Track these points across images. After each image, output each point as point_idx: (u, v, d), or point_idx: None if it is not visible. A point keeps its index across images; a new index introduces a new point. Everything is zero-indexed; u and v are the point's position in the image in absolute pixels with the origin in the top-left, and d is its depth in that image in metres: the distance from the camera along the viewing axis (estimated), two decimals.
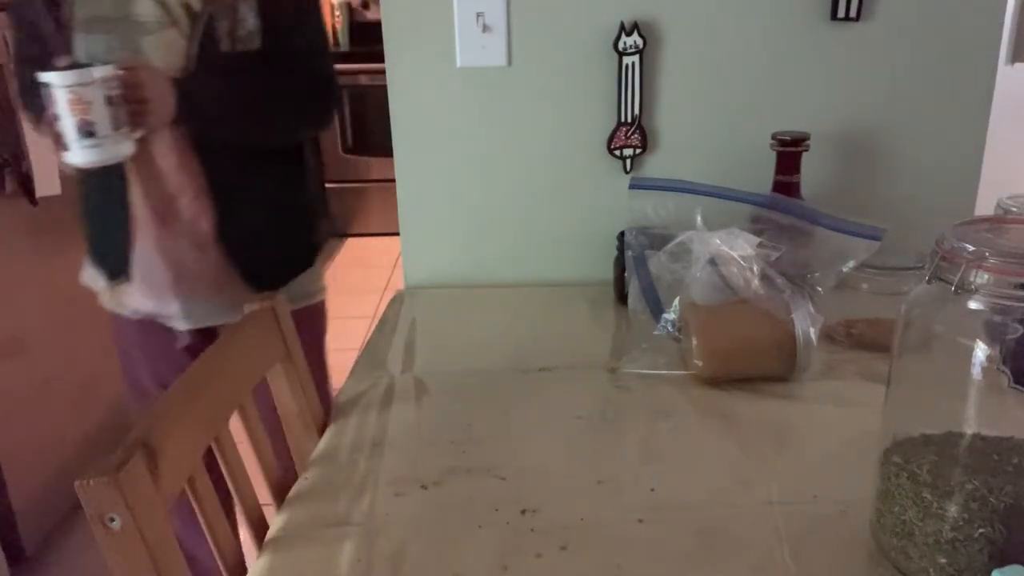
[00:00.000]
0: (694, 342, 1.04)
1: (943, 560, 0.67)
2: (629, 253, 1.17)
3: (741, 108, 1.32)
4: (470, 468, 0.90)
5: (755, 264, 1.04)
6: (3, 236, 1.96)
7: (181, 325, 1.35)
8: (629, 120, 1.33)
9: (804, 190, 1.24)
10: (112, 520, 0.66)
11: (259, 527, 0.88)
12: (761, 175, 1.23)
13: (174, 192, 1.27)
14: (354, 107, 4.22)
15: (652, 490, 0.85)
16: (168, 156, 1.25)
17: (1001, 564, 0.63)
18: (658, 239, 1.13)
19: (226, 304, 1.32)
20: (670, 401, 1.02)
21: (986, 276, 0.62)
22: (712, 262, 1.05)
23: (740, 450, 0.92)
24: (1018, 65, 2.61)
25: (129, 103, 1.13)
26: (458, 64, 1.32)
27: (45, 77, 1.08)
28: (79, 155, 1.11)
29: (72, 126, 1.09)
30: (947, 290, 0.65)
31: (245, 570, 0.82)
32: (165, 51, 1.22)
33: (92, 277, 1.39)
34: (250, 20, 1.24)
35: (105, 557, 0.68)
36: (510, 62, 1.32)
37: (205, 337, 1.38)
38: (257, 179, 1.34)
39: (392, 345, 1.21)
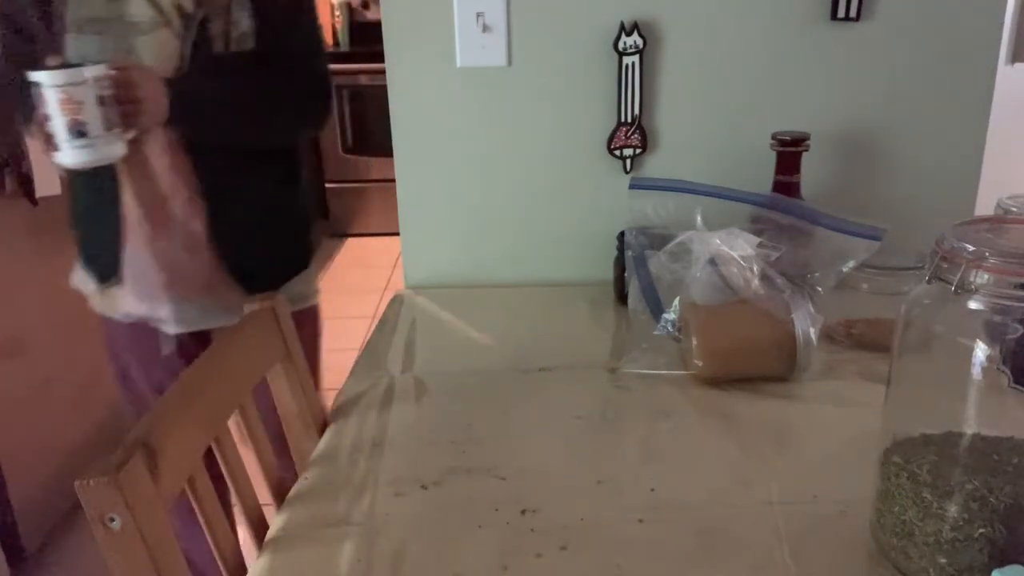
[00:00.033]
0: (694, 342, 1.04)
1: (943, 560, 0.67)
2: (629, 253, 1.17)
3: (741, 108, 1.32)
4: (470, 468, 0.90)
5: (755, 264, 1.04)
6: (3, 236, 1.96)
7: (173, 329, 1.34)
8: (629, 120, 1.33)
9: (804, 190, 1.24)
10: (112, 520, 0.66)
11: (259, 527, 0.88)
12: (761, 175, 1.23)
13: (166, 194, 1.26)
14: (354, 107, 4.22)
15: (652, 490, 0.85)
16: (161, 157, 1.24)
17: (1001, 564, 0.63)
18: (658, 239, 1.12)
19: (219, 307, 1.31)
20: (670, 401, 1.02)
21: (986, 276, 0.62)
22: (712, 262, 1.05)
23: (740, 450, 0.92)
24: (1018, 65, 2.61)
25: (121, 103, 1.11)
26: (458, 64, 1.32)
27: (35, 76, 1.06)
28: (70, 156, 1.09)
29: (63, 126, 1.07)
30: (947, 290, 0.65)
31: (245, 570, 0.82)
32: (158, 52, 1.21)
33: (82, 280, 1.38)
34: (244, 21, 1.23)
35: (105, 557, 0.68)
36: (510, 62, 1.32)
37: (198, 340, 1.37)
38: (250, 180, 1.33)
39: (392, 345, 1.21)
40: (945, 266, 0.65)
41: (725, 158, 1.32)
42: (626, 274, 1.21)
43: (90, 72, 1.08)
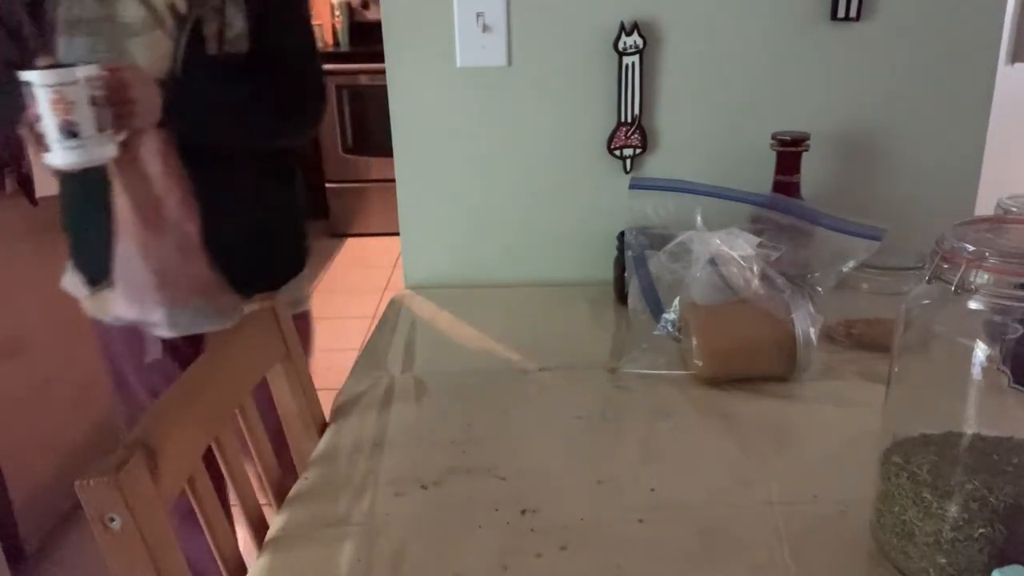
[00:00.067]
0: (694, 342, 1.04)
1: (943, 560, 0.67)
2: (629, 253, 1.17)
3: (741, 108, 1.32)
4: (470, 468, 0.90)
5: (755, 264, 1.04)
6: (3, 236, 1.96)
7: (166, 332, 1.32)
8: (629, 120, 1.33)
9: (804, 190, 1.24)
10: (112, 520, 0.67)
11: (259, 527, 0.88)
12: (761, 175, 1.23)
13: (159, 196, 1.24)
14: (354, 107, 4.22)
15: (652, 490, 0.85)
16: (153, 159, 1.22)
17: (1001, 564, 0.63)
18: (658, 239, 1.13)
19: (213, 310, 1.30)
20: (670, 401, 1.02)
21: (986, 276, 0.62)
22: (712, 262, 1.05)
23: (740, 450, 0.92)
24: (1018, 65, 2.61)
25: (114, 104, 1.10)
26: (458, 64, 1.32)
27: (27, 76, 1.05)
28: (60, 156, 1.08)
29: (54, 126, 1.06)
30: (947, 290, 0.65)
31: (245, 570, 0.82)
32: (151, 53, 1.19)
33: (73, 283, 1.36)
34: (238, 22, 1.22)
35: (105, 557, 0.68)
36: (510, 62, 1.32)
37: (191, 343, 1.36)
38: (245, 183, 1.32)
39: (392, 345, 1.21)
40: (945, 266, 0.65)
41: (725, 158, 1.32)
42: (626, 274, 1.21)
43: (82, 72, 1.06)
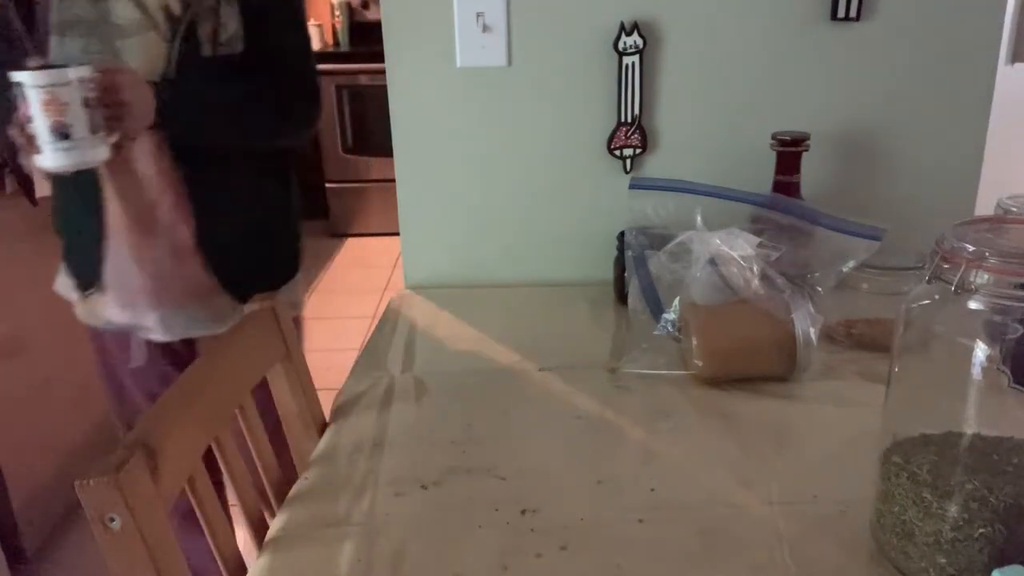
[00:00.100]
0: (694, 342, 1.04)
1: (943, 560, 0.67)
2: (629, 253, 1.17)
3: (741, 108, 1.32)
4: (470, 468, 0.90)
5: (755, 264, 1.04)
6: (3, 236, 1.96)
7: (160, 337, 1.31)
8: (629, 120, 1.33)
9: (804, 190, 1.24)
10: (112, 520, 0.67)
11: (259, 527, 0.88)
12: (761, 175, 1.23)
13: (152, 199, 1.23)
14: (354, 107, 4.22)
15: (652, 490, 0.85)
16: (146, 162, 1.21)
17: (1001, 564, 0.63)
18: (658, 239, 1.13)
19: (207, 314, 1.30)
20: (670, 401, 1.02)
21: (986, 276, 0.62)
22: (712, 262, 1.05)
23: (740, 450, 0.92)
24: (1018, 65, 2.61)
25: (107, 106, 1.08)
26: (458, 64, 1.32)
27: (18, 76, 1.03)
28: (51, 158, 1.06)
29: (46, 128, 1.04)
30: (947, 290, 0.65)
31: (245, 570, 0.82)
32: (144, 55, 1.18)
33: (65, 286, 1.35)
34: (232, 23, 1.20)
35: (105, 557, 0.68)
36: (510, 62, 1.32)
37: (187, 345, 1.36)
38: (238, 185, 1.30)
39: (392, 345, 1.21)
40: (945, 266, 0.65)
41: (725, 158, 1.32)
42: (626, 274, 1.21)
43: (75, 73, 1.05)
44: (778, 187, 1.23)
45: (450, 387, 1.08)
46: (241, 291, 1.29)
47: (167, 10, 1.18)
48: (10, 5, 1.18)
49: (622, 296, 1.27)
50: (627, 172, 1.36)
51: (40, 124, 1.04)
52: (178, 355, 1.37)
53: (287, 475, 0.96)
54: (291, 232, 1.44)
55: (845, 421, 0.97)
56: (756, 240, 1.04)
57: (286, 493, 0.89)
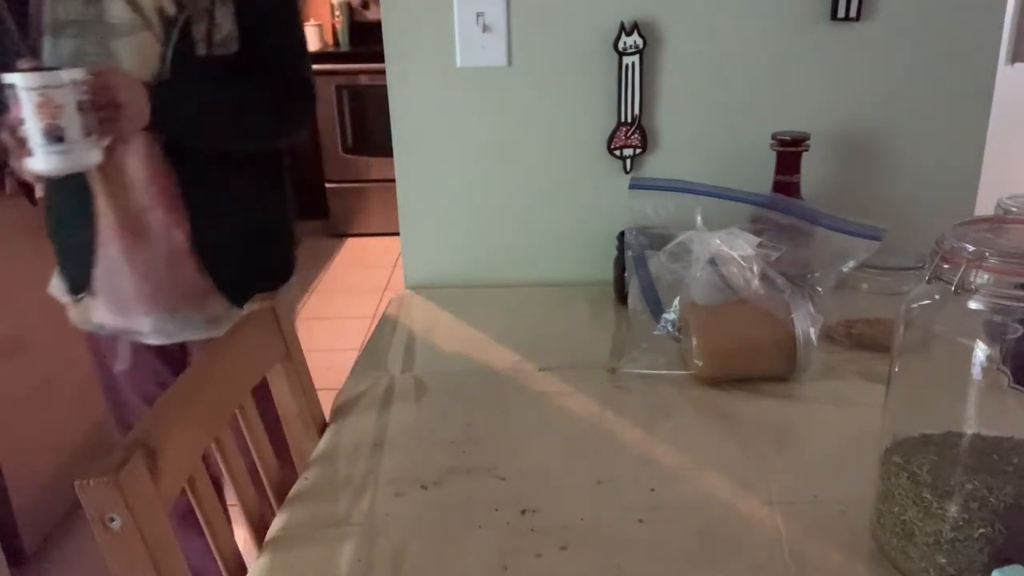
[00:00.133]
0: (694, 342, 1.04)
1: (943, 560, 0.67)
2: (629, 253, 1.17)
3: (741, 108, 1.32)
4: (470, 468, 0.90)
5: (755, 264, 1.04)
6: (3, 236, 1.96)
7: (153, 340, 1.31)
8: (629, 120, 1.33)
9: (804, 190, 1.24)
10: (112, 520, 0.67)
11: (259, 527, 0.88)
12: (761, 175, 1.23)
13: (145, 202, 1.22)
14: (354, 107, 4.22)
15: (652, 490, 0.85)
16: (140, 164, 1.20)
17: (1001, 564, 0.63)
18: (658, 239, 1.13)
19: (201, 318, 1.29)
20: (670, 401, 1.02)
21: (986, 276, 0.62)
22: (712, 262, 1.05)
23: (740, 450, 0.92)
24: (1018, 65, 2.61)
25: (101, 108, 1.07)
26: (458, 64, 1.32)
27: (11, 78, 1.02)
28: (43, 161, 1.04)
29: (39, 131, 1.03)
30: (947, 290, 0.65)
31: (245, 570, 0.82)
32: (138, 55, 1.17)
33: (59, 289, 1.35)
34: (227, 24, 1.20)
35: (105, 557, 0.68)
36: (510, 62, 1.32)
37: (180, 347, 1.35)
38: (233, 187, 1.30)
39: (392, 345, 1.21)
40: (945, 266, 0.65)
41: (725, 158, 1.32)
42: (626, 274, 1.21)
43: (70, 75, 1.04)
44: (778, 187, 1.23)
45: (450, 387, 1.08)
46: (235, 294, 1.29)
47: (161, 11, 1.17)
48: (2, 4, 1.17)
49: (622, 296, 1.27)
50: (627, 172, 1.36)
51: (33, 127, 1.03)
52: (172, 357, 1.37)
53: (287, 475, 0.95)
54: (285, 235, 1.43)
55: (845, 421, 0.97)
56: (756, 240, 1.04)
57: (286, 493, 0.89)
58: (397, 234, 1.42)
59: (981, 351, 0.64)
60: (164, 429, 0.76)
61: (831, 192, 1.34)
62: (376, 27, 1.35)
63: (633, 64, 1.29)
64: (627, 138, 1.34)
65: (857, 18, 1.27)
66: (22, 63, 1.10)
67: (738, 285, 1.04)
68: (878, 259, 1.06)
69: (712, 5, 1.28)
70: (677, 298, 1.08)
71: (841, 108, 1.32)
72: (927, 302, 0.69)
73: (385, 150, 1.39)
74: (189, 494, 0.81)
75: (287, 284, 1.41)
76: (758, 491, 0.84)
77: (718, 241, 1.05)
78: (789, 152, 1.21)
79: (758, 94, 1.32)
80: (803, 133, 1.21)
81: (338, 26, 4.53)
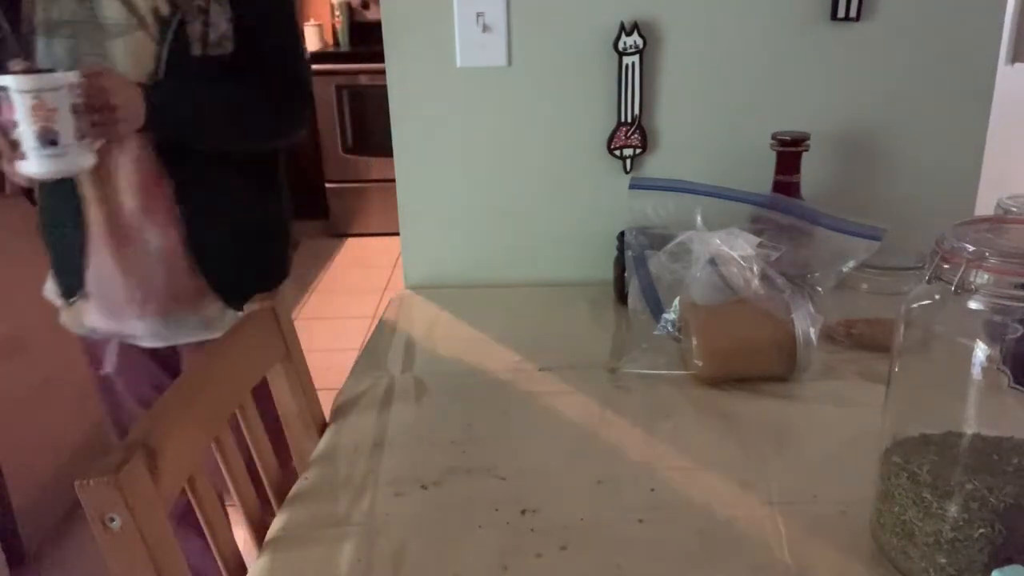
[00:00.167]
0: (694, 342, 1.04)
1: (943, 560, 0.67)
2: (629, 253, 1.17)
3: (741, 108, 1.32)
4: (470, 468, 0.90)
5: (755, 264, 1.04)
6: (3, 236, 1.96)
7: (148, 343, 1.31)
8: (629, 120, 1.33)
9: (804, 190, 1.24)
10: (112, 520, 0.66)
11: (259, 527, 0.88)
12: (761, 175, 1.23)
13: (139, 204, 1.22)
14: (354, 107, 4.22)
15: (652, 490, 0.85)
16: (132, 167, 1.20)
17: (1001, 564, 0.63)
18: (658, 239, 1.13)
19: (196, 320, 1.29)
20: (670, 401, 1.02)
21: (986, 276, 0.62)
22: (712, 262, 1.05)
23: (740, 450, 0.92)
24: (1018, 65, 2.61)
25: (96, 111, 1.07)
26: (458, 64, 1.32)
27: (4, 80, 1.01)
28: (37, 164, 1.04)
29: (32, 134, 1.02)
30: (947, 290, 0.65)
31: (245, 570, 0.82)
32: (133, 56, 1.16)
33: (52, 292, 1.34)
34: (222, 24, 1.19)
35: (105, 557, 0.68)
36: (510, 62, 1.32)
37: (174, 349, 1.35)
38: (228, 188, 1.29)
39: (392, 345, 1.21)
40: (945, 266, 0.65)
41: (725, 158, 1.32)
42: (626, 274, 1.21)
43: (64, 78, 1.03)
44: (778, 187, 1.23)
45: (450, 387, 1.08)
46: (231, 295, 1.28)
47: (156, 10, 1.16)
48: None
49: (622, 296, 1.27)
50: (627, 172, 1.36)
51: (26, 130, 1.02)
52: (167, 359, 1.37)
53: (287, 475, 0.95)
54: (282, 236, 1.43)
55: (845, 421, 0.97)
56: (756, 240, 1.04)
57: (286, 493, 0.89)
58: (397, 234, 1.42)
59: (981, 351, 0.64)
60: (164, 429, 0.76)
61: (831, 192, 1.34)
62: (376, 27, 1.35)
63: (633, 64, 1.29)
64: (627, 138, 1.34)
65: (857, 18, 1.27)
66: (15, 64, 1.09)
67: (738, 285, 1.04)
68: (878, 259, 1.06)
69: (712, 5, 1.28)
70: (677, 298, 1.08)
71: (841, 108, 1.32)
72: (927, 302, 0.69)
73: (385, 150, 1.39)
74: (189, 494, 0.81)
75: (282, 286, 1.41)
76: (758, 491, 0.84)
77: (718, 241, 1.05)
78: (789, 152, 1.21)
79: (758, 94, 1.32)
80: (803, 133, 1.21)
81: (338, 26, 4.53)
